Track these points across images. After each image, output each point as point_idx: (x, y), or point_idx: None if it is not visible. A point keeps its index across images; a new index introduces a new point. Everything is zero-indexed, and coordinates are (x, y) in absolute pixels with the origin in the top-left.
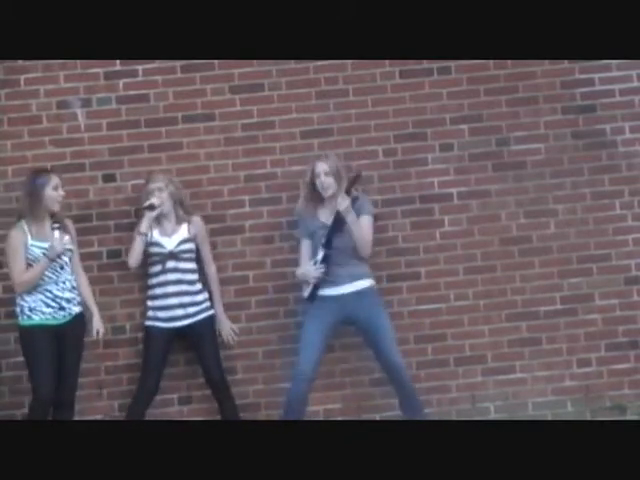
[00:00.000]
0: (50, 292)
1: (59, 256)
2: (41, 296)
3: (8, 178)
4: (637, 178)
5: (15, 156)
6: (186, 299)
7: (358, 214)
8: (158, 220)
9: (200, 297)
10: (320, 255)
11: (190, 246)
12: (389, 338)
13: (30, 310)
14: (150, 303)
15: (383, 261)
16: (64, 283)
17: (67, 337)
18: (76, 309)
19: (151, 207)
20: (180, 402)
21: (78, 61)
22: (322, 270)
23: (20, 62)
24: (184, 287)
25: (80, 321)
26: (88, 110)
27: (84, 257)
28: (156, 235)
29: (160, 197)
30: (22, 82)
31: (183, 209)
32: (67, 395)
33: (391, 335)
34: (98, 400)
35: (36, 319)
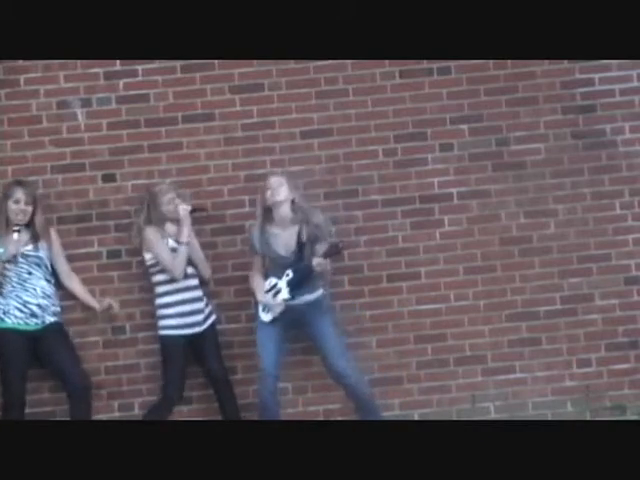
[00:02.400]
0: (20, 298)
1: (15, 258)
2: (12, 301)
3: (8, 178)
4: (637, 178)
5: (15, 156)
6: (201, 304)
7: (318, 240)
8: (165, 226)
9: (206, 300)
10: (284, 291)
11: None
12: (332, 345)
13: (4, 313)
14: (167, 311)
15: (383, 261)
16: (34, 290)
17: (44, 343)
18: (51, 318)
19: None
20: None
21: (78, 61)
22: (283, 306)
23: (20, 62)
24: (198, 293)
25: (57, 331)
26: (88, 110)
27: (84, 257)
28: (172, 242)
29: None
30: (22, 82)
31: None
32: (73, 386)
33: (334, 342)
34: (98, 400)
35: (8, 322)
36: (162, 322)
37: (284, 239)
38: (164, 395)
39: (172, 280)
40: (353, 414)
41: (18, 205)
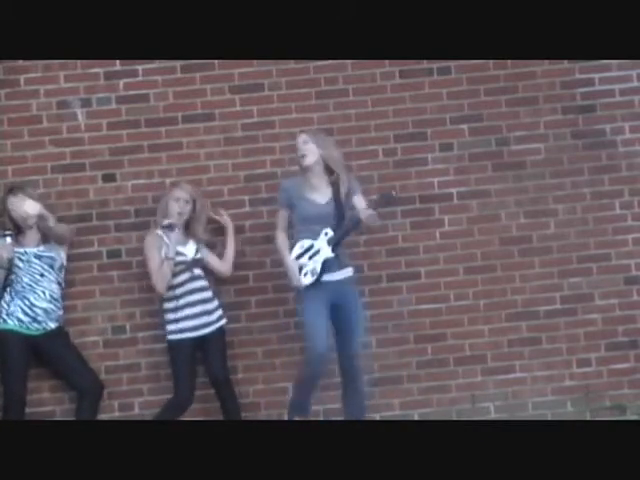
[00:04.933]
0: (28, 300)
1: (10, 262)
2: (20, 303)
3: (8, 178)
4: (637, 178)
5: (15, 156)
6: (210, 306)
7: (353, 194)
8: (171, 229)
9: (217, 302)
10: (325, 250)
11: (201, 255)
12: (358, 332)
13: (7, 315)
14: (173, 316)
15: (383, 261)
16: (43, 293)
17: (48, 350)
18: (52, 324)
19: (170, 226)
20: None
21: (78, 61)
22: (319, 265)
23: (20, 62)
24: (207, 294)
25: (58, 335)
26: (88, 110)
27: (84, 257)
28: (172, 250)
29: (184, 210)
30: (22, 82)
31: (200, 227)
32: (86, 388)
33: (360, 329)
34: None
35: (10, 324)
36: (170, 327)
37: (322, 191)
38: (176, 396)
39: (182, 282)
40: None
41: (15, 206)
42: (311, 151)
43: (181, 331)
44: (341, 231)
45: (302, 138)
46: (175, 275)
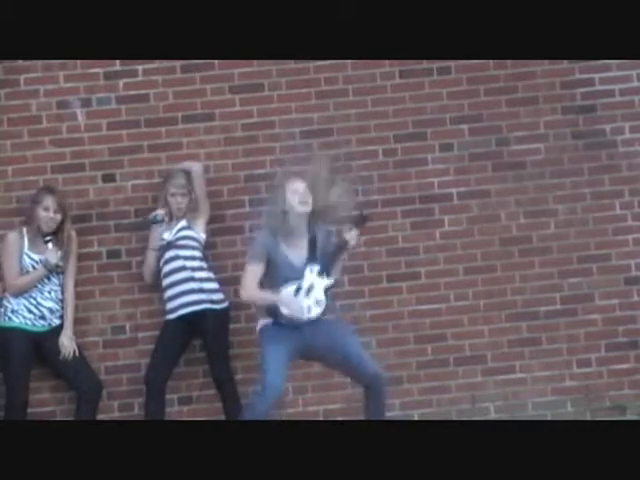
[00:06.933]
0: (34, 299)
1: (56, 267)
2: (25, 301)
3: (8, 178)
4: (637, 178)
5: (15, 156)
6: (193, 285)
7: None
8: (159, 222)
9: (208, 285)
10: (323, 281)
11: (188, 233)
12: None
13: (12, 312)
14: (165, 299)
15: (383, 261)
16: (49, 293)
17: (51, 346)
18: (57, 321)
19: (156, 220)
20: (180, 402)
21: (78, 61)
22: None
23: (20, 62)
24: (187, 274)
25: (61, 333)
26: (88, 110)
27: (84, 257)
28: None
29: (181, 202)
30: (22, 82)
31: (194, 205)
32: (86, 388)
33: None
34: None
35: (16, 322)
36: (165, 308)
37: (298, 248)
38: (145, 381)
39: (162, 266)
40: (353, 414)
41: (48, 213)
42: (310, 203)
43: (166, 313)
44: (327, 259)
45: (304, 186)
46: (158, 260)
